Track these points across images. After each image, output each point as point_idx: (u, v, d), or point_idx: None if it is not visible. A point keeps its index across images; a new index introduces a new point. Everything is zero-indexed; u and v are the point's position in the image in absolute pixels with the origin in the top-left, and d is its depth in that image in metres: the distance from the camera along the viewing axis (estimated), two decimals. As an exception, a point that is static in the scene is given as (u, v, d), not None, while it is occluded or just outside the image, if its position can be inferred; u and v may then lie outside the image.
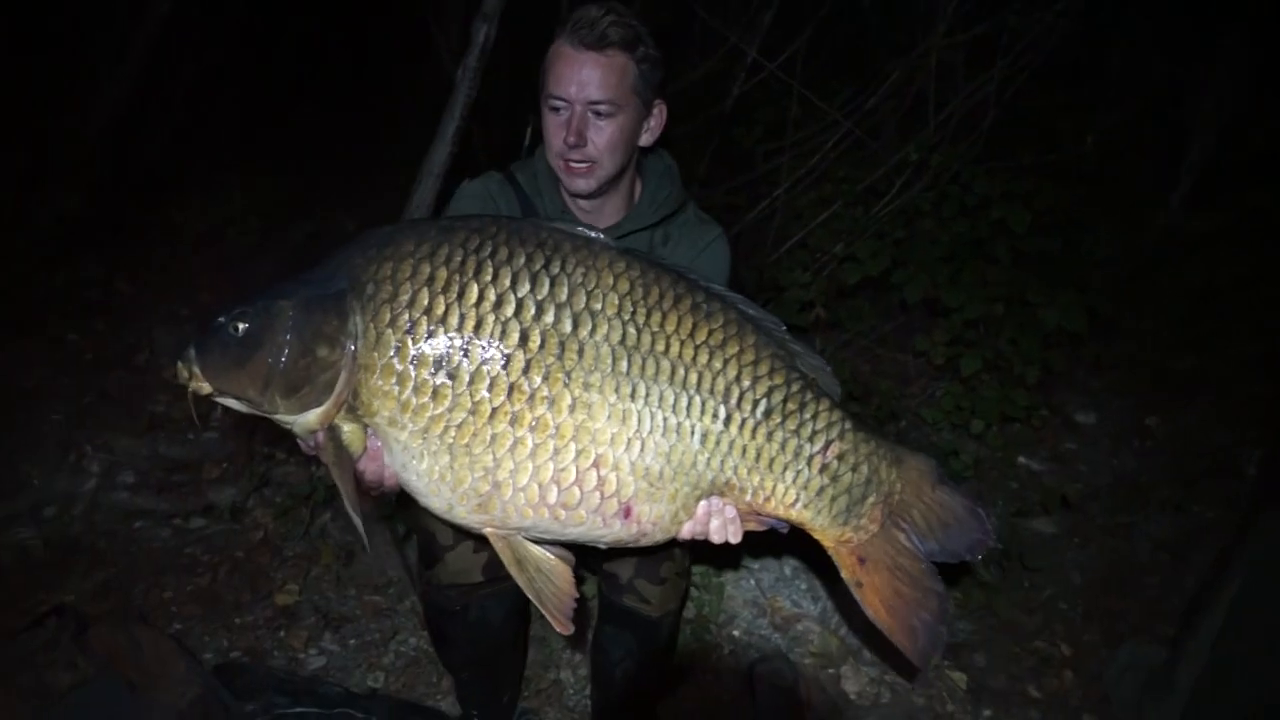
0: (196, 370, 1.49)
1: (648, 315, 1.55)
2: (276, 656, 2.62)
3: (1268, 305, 4.16)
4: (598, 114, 1.86)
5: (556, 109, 1.88)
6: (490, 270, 1.49)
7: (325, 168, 6.44)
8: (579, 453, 1.48)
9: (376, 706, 2.39)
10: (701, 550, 2.91)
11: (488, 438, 1.45)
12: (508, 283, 1.49)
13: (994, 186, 3.60)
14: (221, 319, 1.51)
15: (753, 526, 1.71)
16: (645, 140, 2.00)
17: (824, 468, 1.67)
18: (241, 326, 1.48)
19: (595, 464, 1.49)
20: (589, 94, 1.84)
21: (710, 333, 1.59)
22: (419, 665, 2.65)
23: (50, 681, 2.14)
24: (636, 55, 1.87)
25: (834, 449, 1.67)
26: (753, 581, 3.01)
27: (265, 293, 1.53)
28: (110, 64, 4.97)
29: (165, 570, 2.86)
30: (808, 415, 1.65)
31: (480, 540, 1.96)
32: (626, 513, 1.53)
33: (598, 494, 1.50)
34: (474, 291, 1.48)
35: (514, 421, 1.45)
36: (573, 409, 1.47)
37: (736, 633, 2.87)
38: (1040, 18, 3.71)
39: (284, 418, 1.51)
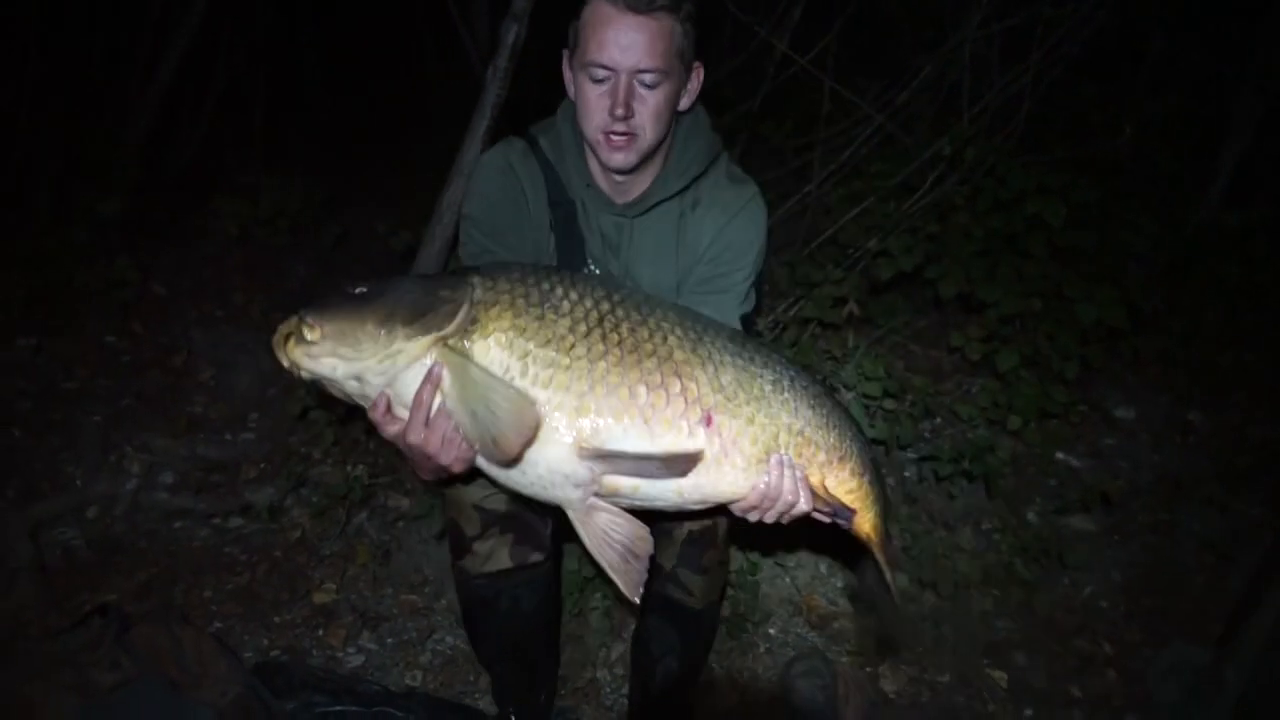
0: (310, 318, 1.52)
1: (702, 320, 1.81)
2: (315, 655, 2.65)
3: (1309, 300, 4.09)
4: (644, 84, 1.76)
5: (600, 79, 1.76)
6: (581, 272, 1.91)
7: (354, 169, 6.48)
8: (661, 364, 1.65)
9: (415, 705, 2.40)
10: (741, 542, 2.91)
11: (585, 349, 1.61)
12: (596, 273, 1.97)
13: (1029, 180, 3.53)
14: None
15: (820, 507, 1.75)
16: (684, 104, 1.91)
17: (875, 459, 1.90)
18: (361, 289, 1.59)
19: (677, 373, 1.65)
20: (637, 61, 1.72)
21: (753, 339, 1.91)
22: (456, 664, 2.66)
23: (94, 680, 2.16)
24: (681, 15, 1.76)
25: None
26: (788, 579, 3.00)
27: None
28: (145, 68, 5.02)
29: (205, 570, 2.89)
30: (851, 419, 1.91)
31: (506, 527, 2.00)
32: (708, 421, 1.65)
33: (681, 399, 1.64)
34: (569, 271, 1.83)
35: (604, 339, 1.63)
36: (651, 337, 1.67)
37: (773, 631, 2.85)
38: (1076, 8, 3.65)
39: (401, 345, 1.53)
